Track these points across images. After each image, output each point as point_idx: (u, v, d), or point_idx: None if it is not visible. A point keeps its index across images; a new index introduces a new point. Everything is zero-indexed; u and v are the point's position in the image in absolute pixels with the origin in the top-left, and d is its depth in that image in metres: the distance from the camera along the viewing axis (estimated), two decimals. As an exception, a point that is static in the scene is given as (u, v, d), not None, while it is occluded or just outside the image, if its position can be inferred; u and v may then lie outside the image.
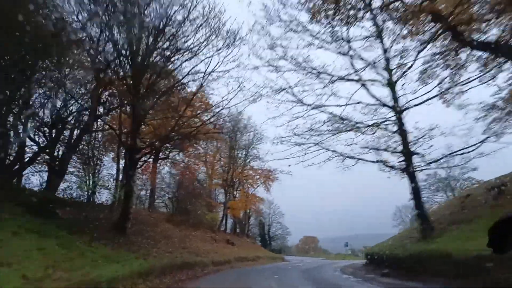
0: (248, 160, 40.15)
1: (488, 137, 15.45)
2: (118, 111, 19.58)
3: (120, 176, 22.45)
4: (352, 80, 17.82)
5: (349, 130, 17.93)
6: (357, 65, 17.76)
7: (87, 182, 21.77)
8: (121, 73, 16.47)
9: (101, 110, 18.81)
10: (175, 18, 15.97)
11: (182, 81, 18.20)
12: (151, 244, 18.17)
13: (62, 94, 16.50)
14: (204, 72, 17.34)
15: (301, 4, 15.97)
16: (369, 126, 17.68)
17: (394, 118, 17.31)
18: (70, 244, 11.56)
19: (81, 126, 17.78)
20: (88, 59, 16.00)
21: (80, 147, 20.42)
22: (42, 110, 16.66)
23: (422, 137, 16.41)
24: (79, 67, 15.47)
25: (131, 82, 16.48)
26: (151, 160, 27.70)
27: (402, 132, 16.92)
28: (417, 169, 16.74)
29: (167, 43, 16.81)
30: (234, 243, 34.36)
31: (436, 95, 16.62)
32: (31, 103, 15.65)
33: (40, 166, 18.42)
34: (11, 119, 14.93)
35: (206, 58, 17.03)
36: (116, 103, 19.03)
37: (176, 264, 15.78)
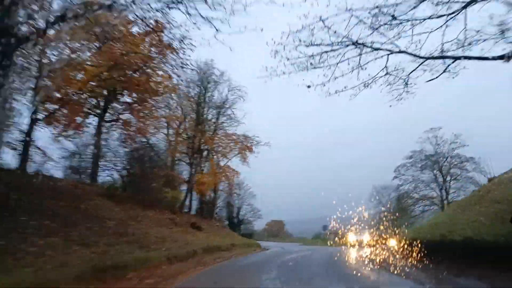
0: (221, 123, 32.04)
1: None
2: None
3: None
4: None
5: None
6: None
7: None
8: None
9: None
10: None
11: None
12: (53, 230, 9.85)
13: None
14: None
15: None
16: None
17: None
18: None
19: None
20: None
21: None
22: None
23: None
24: None
25: None
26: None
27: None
28: None
29: None
30: (201, 227, 26.42)
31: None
32: None
33: None
34: None
35: None
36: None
37: (86, 271, 7.57)
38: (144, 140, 26.11)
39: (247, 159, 33.17)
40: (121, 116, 24.02)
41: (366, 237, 26.85)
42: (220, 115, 31.76)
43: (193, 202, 35.02)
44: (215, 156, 33.05)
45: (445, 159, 59.81)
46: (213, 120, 31.76)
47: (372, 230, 24.02)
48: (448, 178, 59.46)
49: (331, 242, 52.63)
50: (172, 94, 24.79)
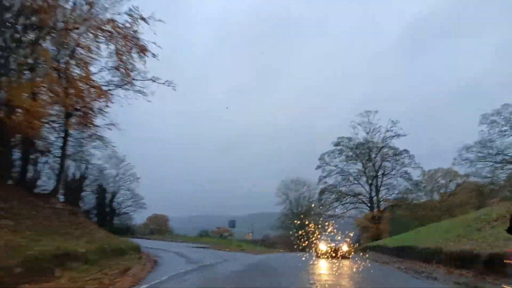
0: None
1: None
2: None
3: None
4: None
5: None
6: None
7: None
8: None
9: None
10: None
11: None
12: None
13: None
14: None
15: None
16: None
17: None
18: None
19: None
20: None
21: None
22: None
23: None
24: None
25: None
26: None
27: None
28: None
29: None
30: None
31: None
32: None
33: None
34: None
35: None
36: None
37: None
38: None
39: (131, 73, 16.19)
40: None
41: None
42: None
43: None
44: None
45: (378, 150, 50.96)
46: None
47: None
48: (381, 172, 50.95)
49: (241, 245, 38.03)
50: None
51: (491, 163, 44.24)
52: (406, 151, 48.92)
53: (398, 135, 48.58)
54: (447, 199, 50.25)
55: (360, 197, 50.92)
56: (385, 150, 49.95)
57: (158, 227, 78.99)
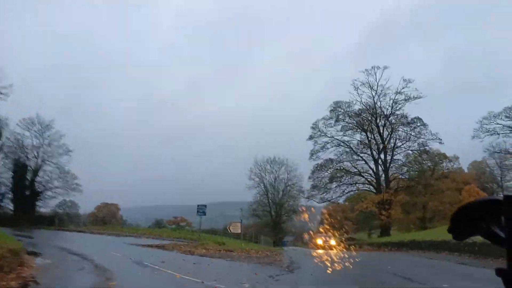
0: None
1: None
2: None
3: None
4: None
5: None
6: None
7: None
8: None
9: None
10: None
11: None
12: None
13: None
14: None
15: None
16: None
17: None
18: None
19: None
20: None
21: None
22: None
23: None
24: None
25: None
26: None
27: None
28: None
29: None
30: None
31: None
32: None
33: None
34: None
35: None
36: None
37: None
38: None
39: None
40: None
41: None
42: None
43: None
44: None
45: (387, 117, 40.26)
46: None
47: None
48: (390, 144, 40.39)
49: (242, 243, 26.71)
50: None
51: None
52: (419, 119, 38.77)
53: (411, 98, 38.13)
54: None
55: (364, 175, 40.17)
56: (395, 116, 39.42)
57: (108, 217, 66.61)
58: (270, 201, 56.08)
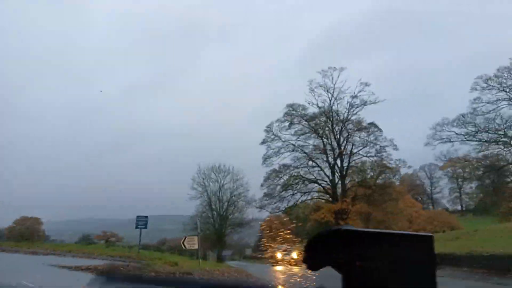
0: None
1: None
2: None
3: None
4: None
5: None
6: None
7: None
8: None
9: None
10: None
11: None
12: None
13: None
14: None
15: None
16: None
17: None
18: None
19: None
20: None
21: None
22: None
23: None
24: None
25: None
26: None
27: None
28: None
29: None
30: None
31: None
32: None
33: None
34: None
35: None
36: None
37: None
38: None
39: None
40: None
41: None
42: None
43: None
44: None
45: (343, 122, 38.50)
46: None
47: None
48: (347, 149, 38.48)
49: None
50: None
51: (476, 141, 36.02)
52: (373, 124, 37.67)
53: (368, 102, 36.87)
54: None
55: (321, 183, 37.73)
56: (351, 121, 37.83)
57: (28, 232, 59.49)
58: (214, 212, 51.60)
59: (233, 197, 51.68)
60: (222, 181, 51.44)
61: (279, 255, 23.73)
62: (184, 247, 19.17)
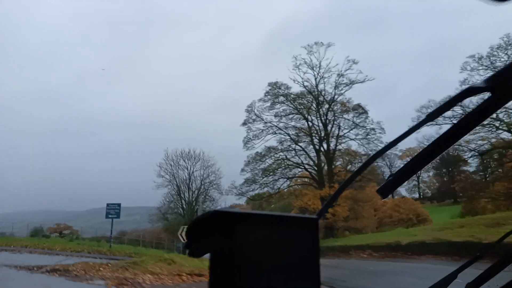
0: None
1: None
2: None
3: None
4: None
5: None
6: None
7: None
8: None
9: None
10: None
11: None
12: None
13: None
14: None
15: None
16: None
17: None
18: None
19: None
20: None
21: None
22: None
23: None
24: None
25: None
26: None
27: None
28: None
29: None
30: None
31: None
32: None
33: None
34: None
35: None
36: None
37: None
38: None
39: None
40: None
41: None
42: None
43: None
44: None
45: (330, 102, 36.04)
46: None
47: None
48: (334, 132, 36.05)
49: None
50: None
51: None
52: (359, 105, 35.69)
53: (354, 82, 34.69)
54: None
55: (306, 167, 35.16)
56: (337, 102, 35.52)
57: None
58: (183, 201, 47.69)
59: (204, 185, 48.02)
60: (192, 168, 47.52)
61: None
62: (182, 240, 15.71)
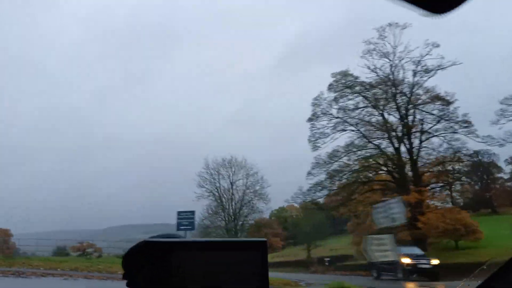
0: None
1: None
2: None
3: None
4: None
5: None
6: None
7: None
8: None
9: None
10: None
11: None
12: None
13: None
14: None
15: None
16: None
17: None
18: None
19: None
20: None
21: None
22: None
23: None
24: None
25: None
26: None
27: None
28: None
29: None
30: None
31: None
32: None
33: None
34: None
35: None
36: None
37: None
38: None
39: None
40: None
41: None
42: None
43: None
44: None
45: (409, 92, 30.65)
46: None
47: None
48: (417, 127, 30.46)
49: None
50: None
51: None
52: (442, 98, 30.30)
53: (438, 68, 29.38)
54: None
55: (388, 168, 29.71)
56: (416, 93, 30.17)
57: None
58: (225, 213, 42.61)
59: (248, 196, 42.91)
60: (233, 177, 42.51)
61: (405, 260, 19.75)
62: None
